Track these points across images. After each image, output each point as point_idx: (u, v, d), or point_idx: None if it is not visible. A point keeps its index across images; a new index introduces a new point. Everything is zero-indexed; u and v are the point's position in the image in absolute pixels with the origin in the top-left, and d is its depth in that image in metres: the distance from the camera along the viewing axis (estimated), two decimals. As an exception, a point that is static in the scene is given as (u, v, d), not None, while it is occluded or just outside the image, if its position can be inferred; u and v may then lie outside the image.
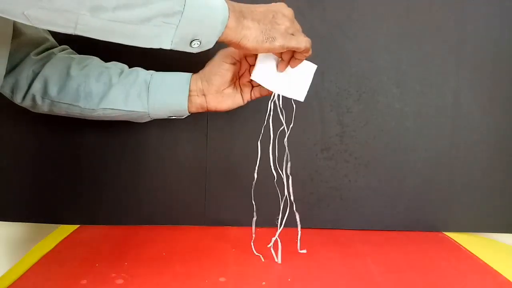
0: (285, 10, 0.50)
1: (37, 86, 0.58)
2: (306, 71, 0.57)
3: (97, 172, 0.73)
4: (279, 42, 0.48)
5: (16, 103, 0.60)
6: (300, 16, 0.71)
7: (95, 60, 0.61)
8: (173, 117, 0.61)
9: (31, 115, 0.72)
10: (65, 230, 0.71)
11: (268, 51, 0.49)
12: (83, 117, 0.60)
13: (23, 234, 0.79)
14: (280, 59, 0.56)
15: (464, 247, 0.67)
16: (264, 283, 0.53)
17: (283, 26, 0.48)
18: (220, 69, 0.57)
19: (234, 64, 0.58)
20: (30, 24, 0.38)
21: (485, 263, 0.61)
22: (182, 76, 0.60)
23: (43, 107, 0.60)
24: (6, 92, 0.59)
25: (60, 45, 0.64)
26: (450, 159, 0.73)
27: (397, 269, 0.59)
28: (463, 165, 0.73)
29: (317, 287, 0.54)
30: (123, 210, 0.74)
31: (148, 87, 0.58)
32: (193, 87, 0.58)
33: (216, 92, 0.58)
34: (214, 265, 0.58)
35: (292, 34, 0.50)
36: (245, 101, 0.61)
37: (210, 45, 0.46)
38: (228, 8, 0.44)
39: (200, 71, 0.60)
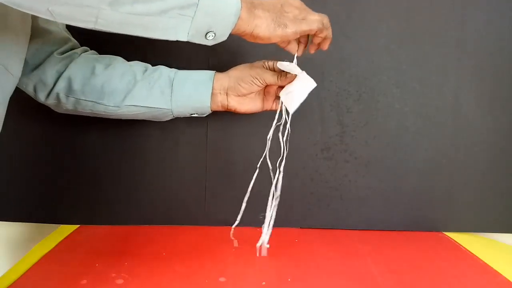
0: (292, 0, 0.51)
1: (61, 85, 0.58)
2: (306, 86, 0.58)
3: (97, 172, 0.73)
4: (291, 28, 0.49)
5: (40, 101, 0.61)
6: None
7: (118, 60, 0.62)
8: (195, 115, 0.62)
9: (31, 116, 0.72)
10: (65, 230, 0.71)
11: (281, 38, 0.50)
12: (107, 115, 0.61)
13: (23, 234, 0.79)
14: (298, 45, 0.57)
15: (464, 247, 0.67)
16: (264, 283, 0.53)
17: (291, 14, 0.50)
18: (251, 81, 0.58)
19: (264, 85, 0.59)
20: (54, 20, 0.40)
21: (485, 263, 0.61)
22: (206, 73, 0.61)
23: (68, 105, 0.60)
24: (29, 91, 0.59)
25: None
26: (450, 159, 0.73)
27: (397, 269, 0.59)
28: (463, 165, 0.73)
29: (317, 287, 0.54)
30: (123, 210, 0.74)
31: (172, 84, 0.59)
32: (216, 85, 0.60)
33: (240, 95, 0.60)
34: (214, 265, 0.58)
35: (303, 19, 0.50)
36: (265, 109, 0.62)
37: (224, 37, 0.47)
38: (240, 0, 0.46)
39: (228, 71, 0.61)
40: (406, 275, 0.57)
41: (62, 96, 0.59)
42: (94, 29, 0.41)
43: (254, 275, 0.56)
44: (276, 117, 0.59)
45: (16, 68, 0.52)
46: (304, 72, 0.57)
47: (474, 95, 0.72)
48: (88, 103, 0.59)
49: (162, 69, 0.61)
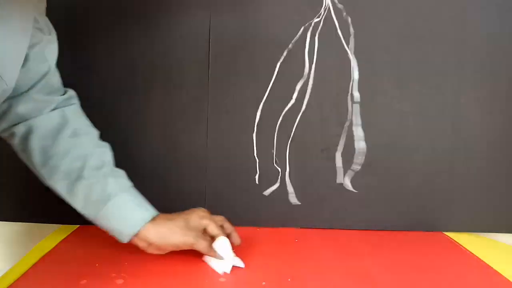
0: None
1: (21, 129, 0.57)
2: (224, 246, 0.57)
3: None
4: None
5: None
6: (300, 15, 0.71)
7: (89, 136, 0.61)
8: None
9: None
10: (65, 230, 0.71)
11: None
12: (37, 175, 0.59)
13: (23, 234, 0.79)
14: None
15: (464, 247, 0.67)
16: (264, 283, 0.53)
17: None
18: (178, 246, 0.57)
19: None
20: None
21: (485, 263, 0.61)
22: (141, 216, 0.57)
23: (15, 147, 0.59)
24: None
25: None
26: (450, 159, 0.73)
27: (397, 269, 0.59)
28: (463, 165, 0.73)
29: (317, 287, 0.54)
30: (123, 210, 0.74)
31: (106, 204, 0.56)
32: (142, 233, 0.56)
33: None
34: (214, 265, 0.58)
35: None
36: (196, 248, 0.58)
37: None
38: None
39: (160, 224, 0.57)
40: (406, 275, 0.57)
41: (16, 138, 0.58)
42: None
43: (254, 275, 0.56)
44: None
45: (10, 76, 0.50)
46: (236, 260, 0.57)
47: (474, 95, 0.72)
48: (29, 157, 0.58)
49: (115, 178, 0.58)
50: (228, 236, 0.59)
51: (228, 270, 0.56)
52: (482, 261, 0.62)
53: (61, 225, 0.74)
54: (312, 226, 0.74)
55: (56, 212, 0.74)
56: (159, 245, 0.56)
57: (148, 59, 0.73)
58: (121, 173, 0.60)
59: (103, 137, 0.74)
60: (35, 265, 0.58)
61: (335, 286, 0.54)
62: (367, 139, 0.73)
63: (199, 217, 0.58)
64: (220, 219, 0.61)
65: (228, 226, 0.60)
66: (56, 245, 0.65)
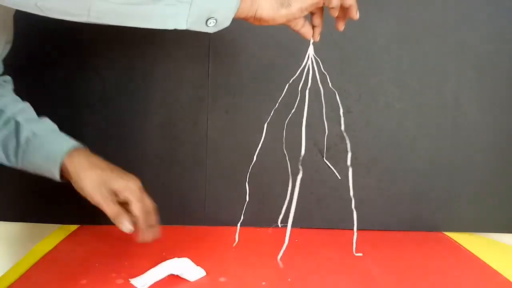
0: None
1: None
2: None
3: (97, 172, 0.73)
4: (295, 5, 0.46)
5: None
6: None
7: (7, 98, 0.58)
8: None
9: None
10: (65, 230, 0.71)
11: (287, 17, 0.46)
12: None
13: (23, 234, 0.79)
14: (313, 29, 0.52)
15: (464, 247, 0.67)
16: (264, 283, 0.53)
17: None
18: (86, 193, 0.53)
19: None
20: (44, 15, 0.38)
21: (485, 263, 0.61)
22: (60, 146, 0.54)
23: None
24: None
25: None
26: (450, 159, 0.73)
27: (397, 269, 0.59)
28: (463, 165, 0.73)
29: (317, 287, 0.54)
30: (123, 210, 0.74)
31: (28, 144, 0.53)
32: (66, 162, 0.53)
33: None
34: (214, 265, 0.58)
35: None
36: None
37: (227, 23, 0.44)
38: None
39: (86, 155, 0.54)
40: (406, 275, 0.57)
41: None
42: (87, 22, 0.39)
43: (254, 275, 0.56)
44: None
45: None
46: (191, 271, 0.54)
47: (474, 95, 0.72)
48: None
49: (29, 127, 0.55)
50: (149, 227, 0.54)
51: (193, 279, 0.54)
52: (482, 261, 0.62)
53: (61, 225, 0.74)
54: (312, 226, 0.74)
55: (56, 212, 0.74)
56: (74, 179, 0.51)
57: (148, 59, 0.73)
58: (46, 119, 0.58)
59: (103, 136, 0.74)
60: (35, 265, 0.58)
61: (335, 286, 0.54)
62: (367, 139, 0.73)
63: (125, 187, 0.53)
64: (149, 205, 0.55)
65: (152, 218, 0.55)
66: (56, 245, 0.65)
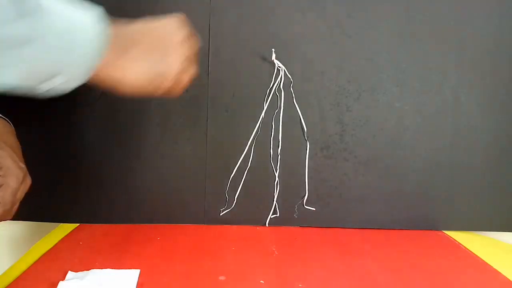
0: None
1: None
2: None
3: (97, 170, 0.73)
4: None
5: None
6: (300, 14, 0.71)
7: None
8: None
9: (30, 115, 0.72)
10: (65, 229, 0.71)
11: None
12: None
13: (23, 232, 0.79)
14: None
15: (464, 246, 0.68)
16: (262, 281, 0.53)
17: None
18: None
19: None
20: None
21: (485, 262, 0.61)
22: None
23: None
24: None
25: None
26: (450, 158, 0.73)
27: (397, 268, 0.59)
28: (463, 164, 0.73)
29: (317, 286, 0.54)
30: (123, 209, 0.74)
31: None
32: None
33: None
34: (213, 263, 0.58)
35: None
36: None
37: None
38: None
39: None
40: (406, 273, 0.57)
41: None
42: None
43: (253, 274, 0.56)
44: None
45: None
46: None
47: (474, 95, 0.72)
48: None
49: None
50: None
51: None
52: (482, 260, 0.62)
53: (61, 223, 0.74)
54: (312, 225, 0.74)
55: (56, 211, 0.74)
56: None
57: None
58: None
59: (103, 136, 0.74)
60: (35, 263, 0.58)
61: (335, 286, 0.54)
62: (367, 138, 0.73)
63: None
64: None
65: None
66: (56, 244, 0.65)
